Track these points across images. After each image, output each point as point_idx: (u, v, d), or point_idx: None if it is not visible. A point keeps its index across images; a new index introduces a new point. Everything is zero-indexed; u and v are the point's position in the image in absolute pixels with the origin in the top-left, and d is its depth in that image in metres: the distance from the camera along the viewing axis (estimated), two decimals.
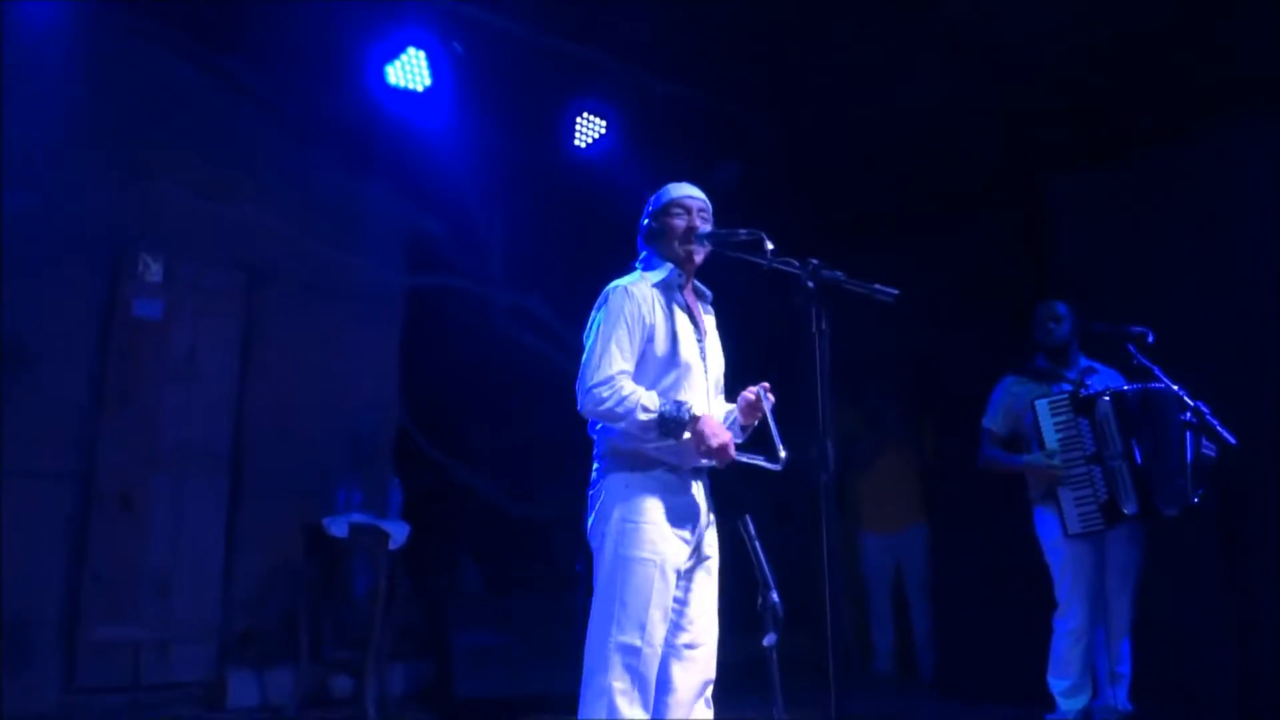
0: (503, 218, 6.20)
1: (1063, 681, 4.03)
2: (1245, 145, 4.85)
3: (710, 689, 2.82)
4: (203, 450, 5.24)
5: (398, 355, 5.94)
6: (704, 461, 2.76)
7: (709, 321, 2.98)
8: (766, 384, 2.81)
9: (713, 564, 2.87)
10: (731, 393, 2.94)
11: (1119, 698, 4.05)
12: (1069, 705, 4.00)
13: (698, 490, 2.82)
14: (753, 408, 2.80)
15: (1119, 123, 5.18)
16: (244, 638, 5.15)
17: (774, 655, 2.41)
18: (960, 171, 5.84)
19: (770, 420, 2.73)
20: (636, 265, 2.99)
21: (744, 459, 2.69)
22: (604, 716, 2.58)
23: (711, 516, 2.86)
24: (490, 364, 5.89)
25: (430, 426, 5.97)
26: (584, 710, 2.64)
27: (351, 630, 5.06)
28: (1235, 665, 4.13)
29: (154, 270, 5.30)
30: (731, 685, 3.28)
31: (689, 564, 2.77)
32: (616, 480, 2.74)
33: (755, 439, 2.82)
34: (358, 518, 4.85)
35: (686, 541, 2.75)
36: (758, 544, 2.50)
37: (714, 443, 2.63)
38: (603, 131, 5.63)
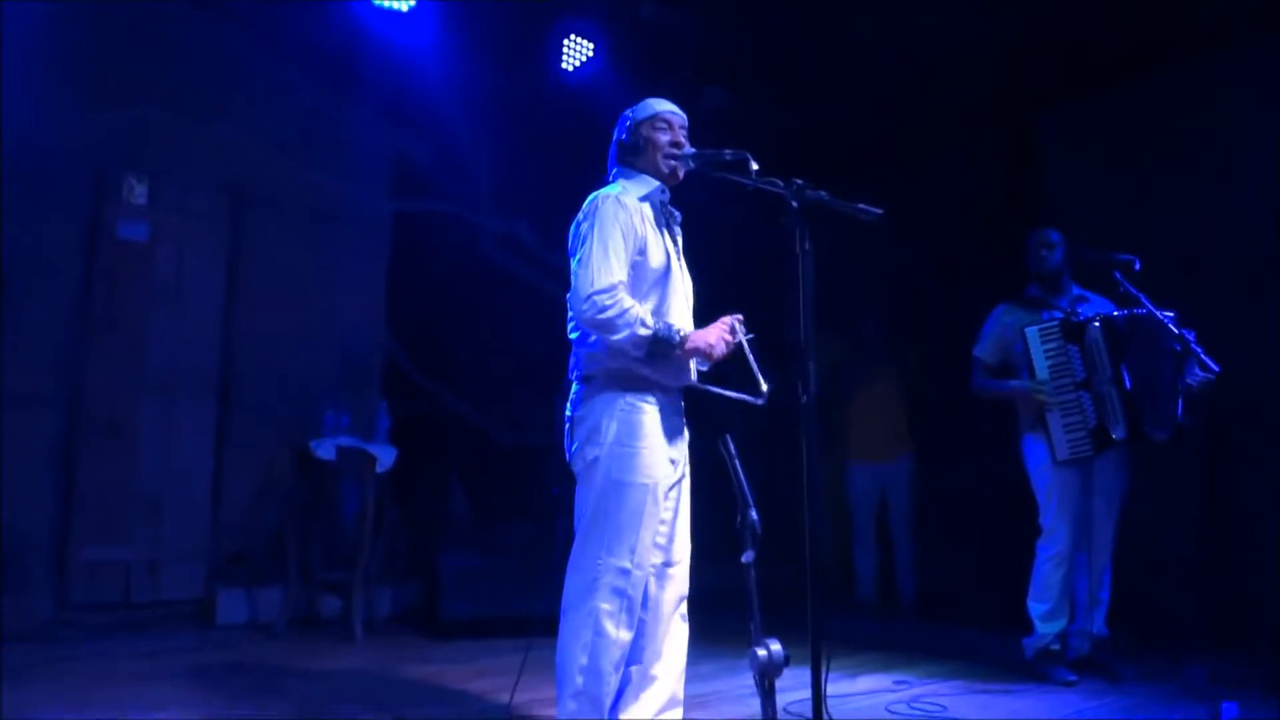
0: (490, 143, 6.12)
1: (1042, 605, 4.09)
2: (1235, 73, 4.81)
3: (684, 604, 2.88)
4: (190, 374, 5.26)
5: (384, 280, 5.93)
6: (692, 378, 2.78)
7: (677, 239, 2.93)
8: (740, 316, 2.78)
9: (687, 482, 2.90)
10: (702, 320, 2.90)
11: (1096, 622, 4.12)
12: (1046, 628, 4.07)
13: (679, 409, 2.86)
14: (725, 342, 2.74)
15: (1109, 52, 5.11)
16: (233, 558, 5.23)
17: (752, 572, 2.44)
18: (952, 101, 5.78)
19: (749, 354, 2.72)
20: (613, 179, 2.92)
21: (727, 395, 2.70)
22: (591, 637, 2.62)
23: (687, 434, 2.89)
24: (479, 291, 5.87)
25: (418, 353, 5.98)
26: (569, 631, 2.66)
27: (340, 552, 5.13)
28: (1209, 592, 4.20)
29: (139, 192, 5.25)
30: (710, 604, 3.35)
31: (669, 483, 2.79)
32: (608, 401, 2.71)
33: (735, 373, 2.79)
34: (345, 441, 4.88)
35: (674, 462, 2.78)
36: (738, 463, 2.51)
37: (710, 345, 2.64)
38: (590, 55, 5.53)
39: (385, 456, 4.92)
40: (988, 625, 4.84)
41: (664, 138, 2.88)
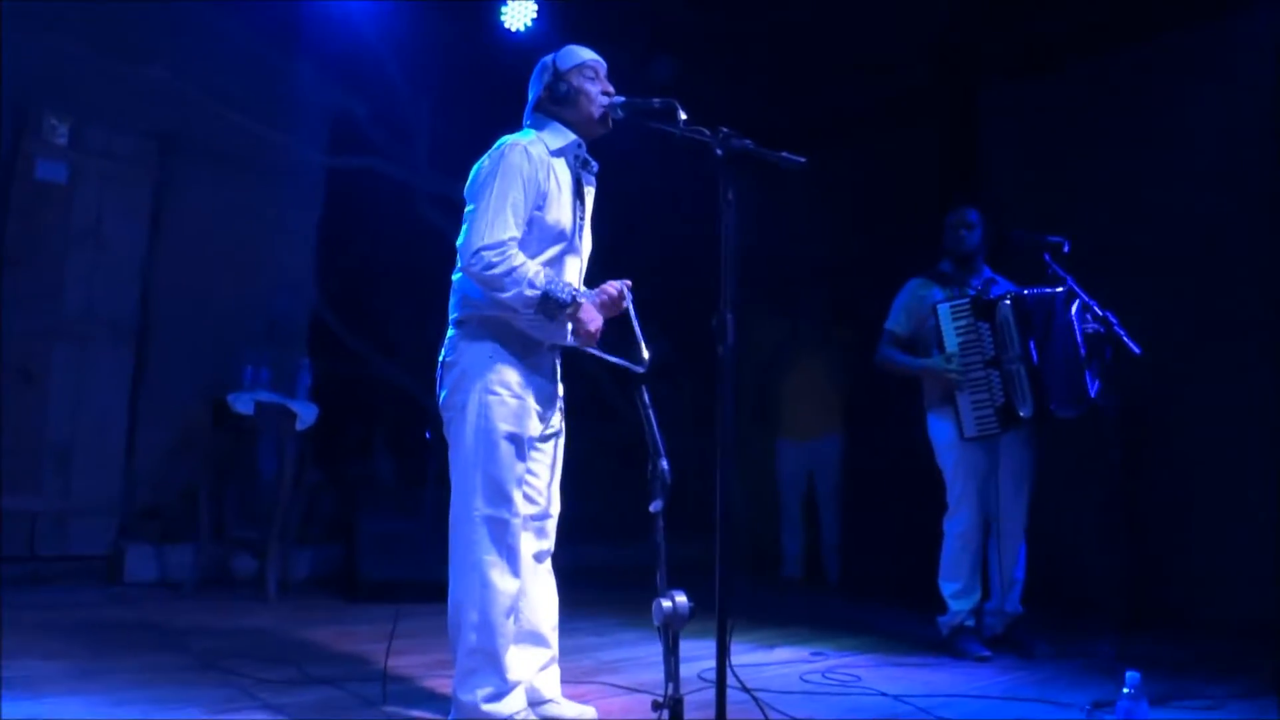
0: (430, 103, 6.01)
1: (953, 584, 4.11)
2: (1175, 54, 4.87)
3: (550, 559, 2.86)
4: (107, 321, 5.08)
5: (315, 236, 5.79)
6: (570, 341, 2.72)
7: (589, 195, 2.86)
8: (629, 281, 2.74)
9: (562, 439, 2.87)
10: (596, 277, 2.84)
11: (1011, 600, 4.16)
12: (959, 606, 4.09)
13: (553, 365, 2.81)
14: (614, 303, 2.70)
15: (1051, 32, 5.16)
16: (145, 513, 5.07)
17: (660, 522, 2.39)
18: (893, 79, 5.80)
19: (633, 320, 2.67)
20: (527, 128, 2.82)
21: (606, 358, 2.65)
22: (479, 590, 2.57)
23: (561, 390, 2.84)
24: (413, 253, 5.73)
25: (348, 312, 5.85)
26: (458, 585, 2.62)
27: (256, 510, 5.00)
28: (1123, 570, 4.26)
29: (60, 132, 5.05)
30: (638, 578, 3.31)
31: (540, 436, 2.76)
32: (478, 349, 2.65)
33: (619, 338, 2.72)
34: (264, 396, 4.75)
35: (542, 416, 2.73)
36: (651, 412, 2.46)
37: (591, 328, 2.61)
38: (534, 16, 5.45)
39: (306, 414, 4.80)
40: (911, 603, 4.86)
41: (594, 87, 2.80)
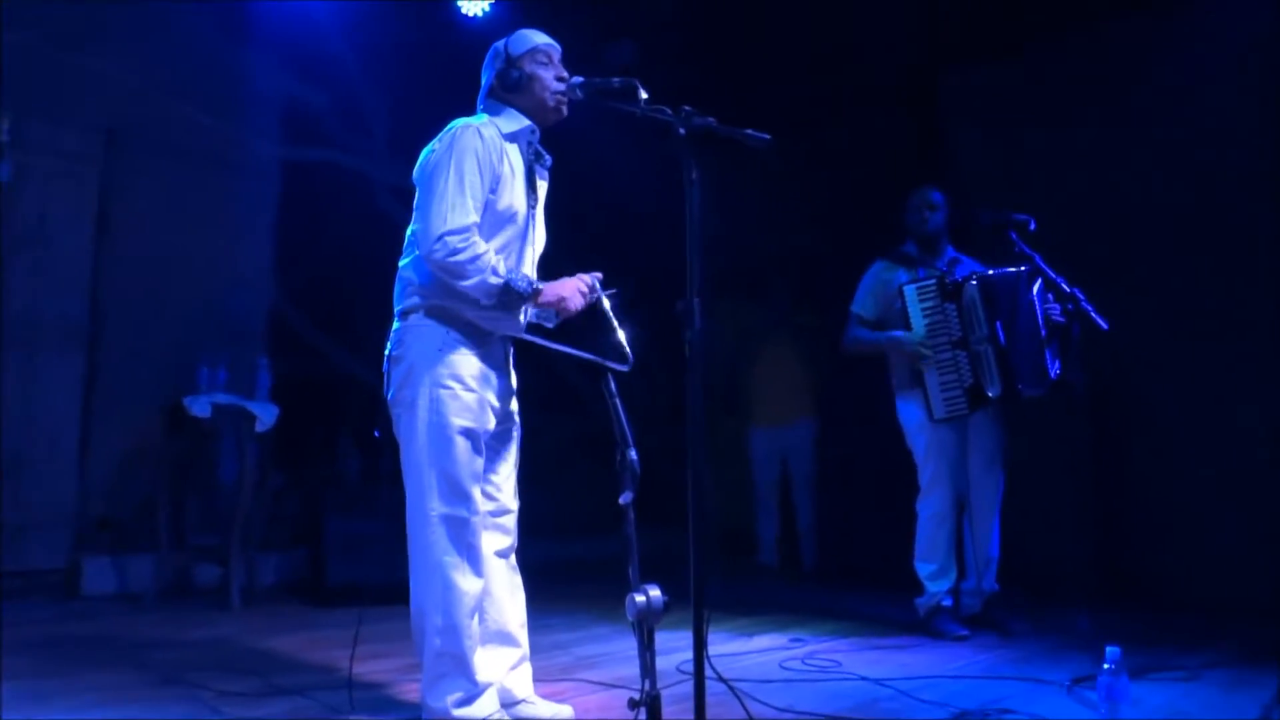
0: (387, 91, 5.87)
1: (928, 565, 4.10)
2: (1138, 36, 4.86)
3: (514, 556, 2.78)
4: (55, 324, 4.92)
5: (272, 231, 5.64)
6: (522, 331, 2.65)
7: (542, 188, 2.77)
8: (599, 274, 2.64)
9: (517, 432, 2.78)
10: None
11: (986, 579, 4.14)
12: (935, 587, 4.07)
13: (506, 356, 2.73)
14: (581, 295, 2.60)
15: (1014, 14, 5.13)
16: (101, 523, 4.92)
17: (631, 514, 2.32)
18: (857, 62, 5.76)
19: (611, 317, 2.58)
20: (480, 113, 2.72)
21: (580, 355, 2.56)
22: (442, 593, 2.49)
23: (515, 380, 2.76)
24: (373, 245, 5.59)
25: (307, 309, 5.71)
26: (419, 588, 2.53)
27: (218, 516, 4.86)
28: (1096, 545, 4.25)
29: (1, 129, 4.87)
30: (615, 571, 3.24)
31: (496, 430, 2.67)
32: (427, 341, 2.54)
33: (593, 335, 2.62)
34: (222, 398, 4.62)
35: (494, 409, 2.64)
36: (618, 401, 2.39)
37: (567, 297, 2.53)
38: (492, 1, 5.34)
39: (266, 415, 4.67)
40: (888, 587, 4.82)
41: (547, 72, 2.71)
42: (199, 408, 4.51)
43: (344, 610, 4.49)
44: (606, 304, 2.60)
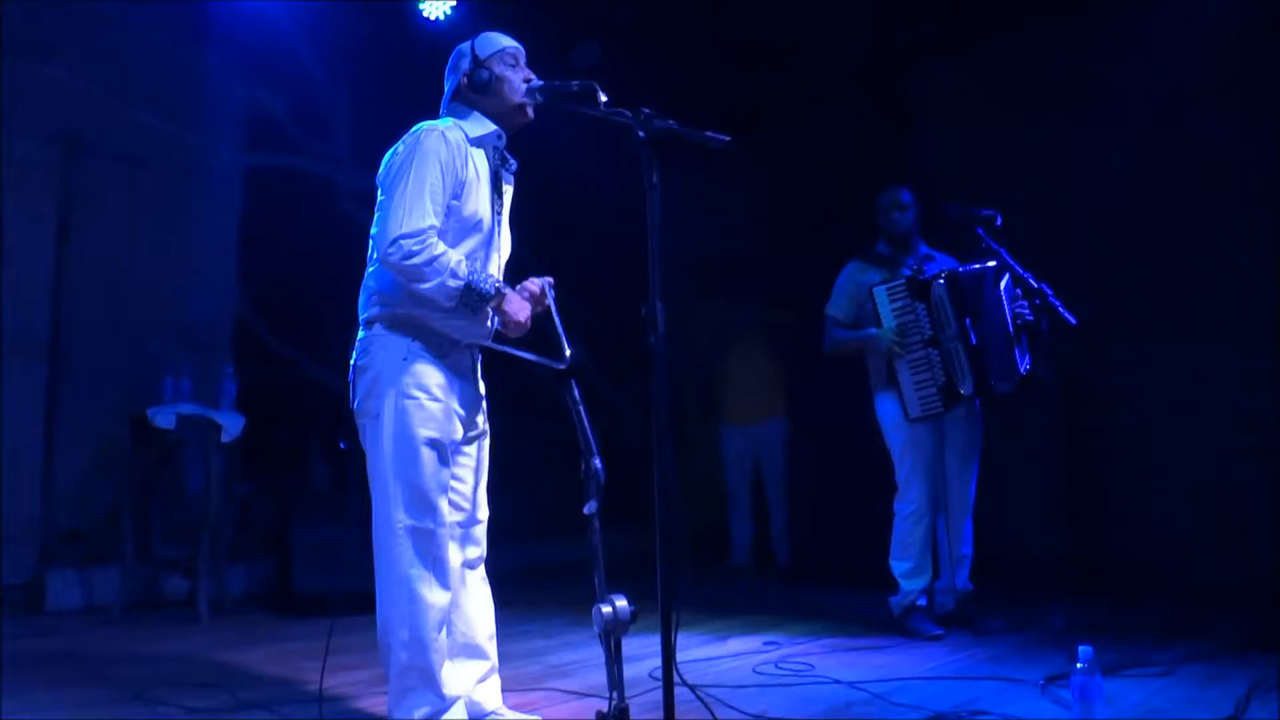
0: (349, 95, 5.81)
1: (904, 564, 4.10)
2: (1105, 31, 4.88)
3: (483, 565, 2.74)
4: (16, 337, 4.82)
5: (236, 238, 5.56)
6: (488, 338, 2.61)
7: (508, 193, 2.73)
8: (551, 279, 2.63)
9: (486, 441, 2.74)
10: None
11: (960, 578, 4.14)
12: (911, 585, 4.07)
13: (473, 364, 2.69)
14: (536, 300, 2.59)
15: (980, 8, 5.15)
16: (66, 537, 4.83)
17: (596, 524, 2.29)
18: (824, 58, 5.76)
19: (555, 317, 2.56)
20: (444, 116, 2.68)
21: (526, 357, 2.53)
22: (408, 607, 2.45)
23: (484, 390, 2.72)
24: (338, 250, 5.52)
25: (272, 316, 5.63)
26: (385, 601, 2.49)
27: (184, 528, 4.79)
28: (1068, 542, 4.27)
29: None
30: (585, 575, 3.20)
31: (464, 439, 2.63)
32: (392, 350, 2.50)
33: (539, 335, 2.61)
34: (186, 408, 4.55)
35: (462, 418, 2.60)
36: (582, 408, 2.36)
37: (519, 318, 2.50)
38: (453, 5, 5.29)
39: (231, 425, 4.61)
40: (862, 586, 4.83)
41: (515, 74, 2.67)
42: (163, 418, 4.45)
43: (312, 620, 4.45)
44: (553, 306, 2.58)
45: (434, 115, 2.72)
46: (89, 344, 4.97)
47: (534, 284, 2.60)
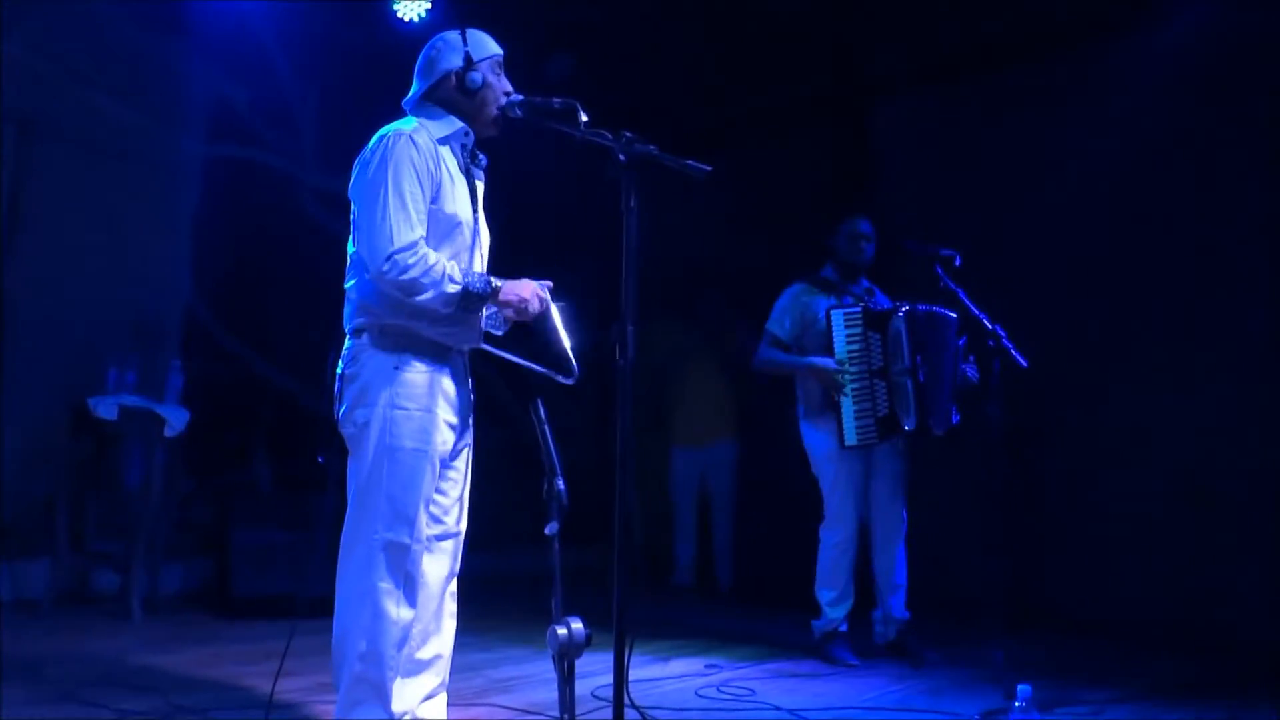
0: (318, 93, 5.74)
1: (829, 592, 4.13)
2: (1066, 72, 4.99)
3: (454, 582, 2.69)
4: None
5: (190, 231, 5.45)
6: (480, 342, 2.59)
7: (479, 189, 2.69)
8: (549, 282, 2.58)
9: (470, 452, 2.69)
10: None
11: (896, 607, 4.18)
12: (834, 613, 4.11)
13: (465, 367, 2.65)
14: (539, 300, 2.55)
15: (945, 46, 5.27)
16: None
17: (556, 545, 2.28)
18: (790, 88, 5.84)
19: (560, 328, 2.54)
20: (409, 115, 2.60)
21: (530, 366, 2.53)
22: (370, 620, 2.41)
23: (472, 399, 2.69)
24: (296, 248, 5.46)
25: (224, 311, 5.53)
26: (346, 613, 2.44)
27: (120, 522, 4.67)
28: (1007, 574, 4.34)
29: None
30: (530, 587, 3.18)
31: (453, 452, 2.60)
32: (382, 360, 2.46)
33: (535, 345, 2.59)
34: (129, 400, 4.45)
35: (454, 429, 2.57)
36: (547, 428, 2.36)
37: (524, 293, 2.47)
38: (429, 7, 5.27)
39: (176, 419, 4.51)
40: (803, 609, 4.85)
41: (501, 84, 2.64)
42: (105, 409, 4.34)
43: (250, 623, 4.36)
44: (556, 313, 2.56)
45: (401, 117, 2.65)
46: (33, 329, 4.81)
47: (539, 286, 2.55)
